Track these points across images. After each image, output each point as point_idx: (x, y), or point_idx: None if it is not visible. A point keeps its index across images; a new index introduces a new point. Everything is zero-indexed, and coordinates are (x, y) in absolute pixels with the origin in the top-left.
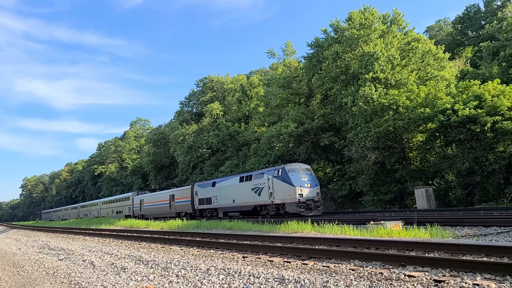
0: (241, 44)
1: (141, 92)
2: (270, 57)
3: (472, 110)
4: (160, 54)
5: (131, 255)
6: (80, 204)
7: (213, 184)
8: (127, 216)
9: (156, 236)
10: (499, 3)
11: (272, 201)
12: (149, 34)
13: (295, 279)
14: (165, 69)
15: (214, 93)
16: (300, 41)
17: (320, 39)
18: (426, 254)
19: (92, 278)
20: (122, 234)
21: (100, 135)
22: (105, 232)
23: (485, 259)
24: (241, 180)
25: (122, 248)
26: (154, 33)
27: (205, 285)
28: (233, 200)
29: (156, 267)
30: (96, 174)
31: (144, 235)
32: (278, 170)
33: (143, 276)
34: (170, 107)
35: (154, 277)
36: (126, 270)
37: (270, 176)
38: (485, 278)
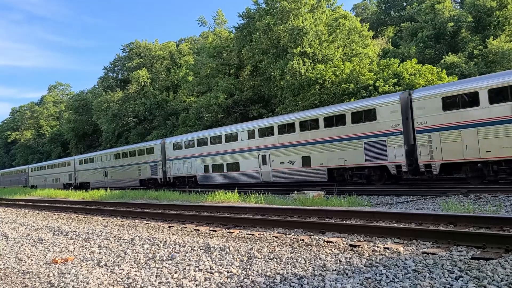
0: (171, 10)
1: (61, 55)
2: (200, 25)
3: (391, 87)
4: (82, 16)
5: (49, 226)
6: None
7: None
8: None
9: (77, 206)
10: None
11: None
12: None
13: (221, 247)
14: (88, 32)
15: (142, 60)
16: (231, 11)
17: (252, 10)
18: (344, 221)
19: (5, 250)
20: (40, 204)
21: (14, 100)
22: (20, 203)
23: (395, 225)
24: None
25: (39, 219)
26: None
27: (128, 255)
28: None
29: (77, 238)
30: (9, 141)
31: (64, 205)
32: None
33: (62, 248)
34: (93, 73)
35: (74, 248)
36: (44, 241)
37: None
38: (394, 242)
